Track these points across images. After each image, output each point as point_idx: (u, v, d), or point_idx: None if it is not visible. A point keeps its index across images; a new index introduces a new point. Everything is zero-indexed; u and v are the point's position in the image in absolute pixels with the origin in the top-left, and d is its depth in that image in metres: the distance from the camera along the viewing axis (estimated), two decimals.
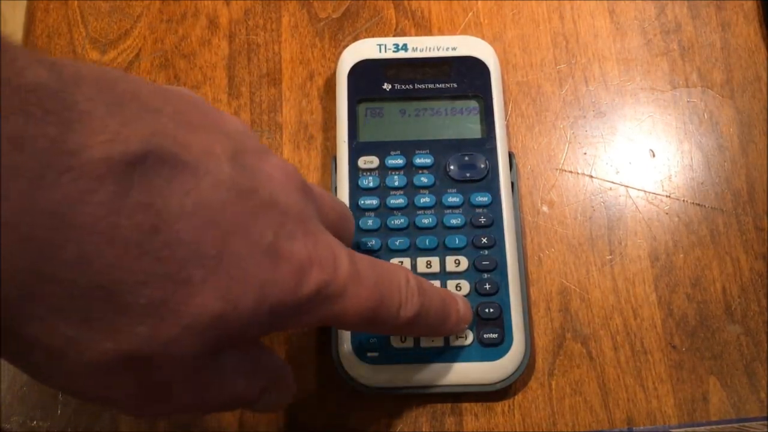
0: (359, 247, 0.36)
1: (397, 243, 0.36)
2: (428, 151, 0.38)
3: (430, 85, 0.39)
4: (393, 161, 0.37)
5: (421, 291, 0.28)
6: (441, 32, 0.43)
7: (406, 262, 0.36)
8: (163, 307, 0.20)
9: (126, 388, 0.22)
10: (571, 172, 0.40)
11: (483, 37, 0.42)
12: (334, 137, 0.39)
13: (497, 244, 0.36)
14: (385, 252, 0.36)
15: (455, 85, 0.39)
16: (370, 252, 0.36)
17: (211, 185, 0.21)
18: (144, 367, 0.21)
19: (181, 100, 0.23)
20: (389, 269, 0.28)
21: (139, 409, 0.23)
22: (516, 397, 0.36)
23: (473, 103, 0.39)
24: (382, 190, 0.37)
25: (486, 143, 0.38)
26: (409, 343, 0.34)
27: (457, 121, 0.38)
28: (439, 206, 0.37)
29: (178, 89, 0.24)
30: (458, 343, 0.34)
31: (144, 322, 0.20)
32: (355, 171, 0.37)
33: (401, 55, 0.40)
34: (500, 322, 0.35)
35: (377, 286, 0.26)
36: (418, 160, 0.37)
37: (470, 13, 0.43)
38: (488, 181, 0.37)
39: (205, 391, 0.24)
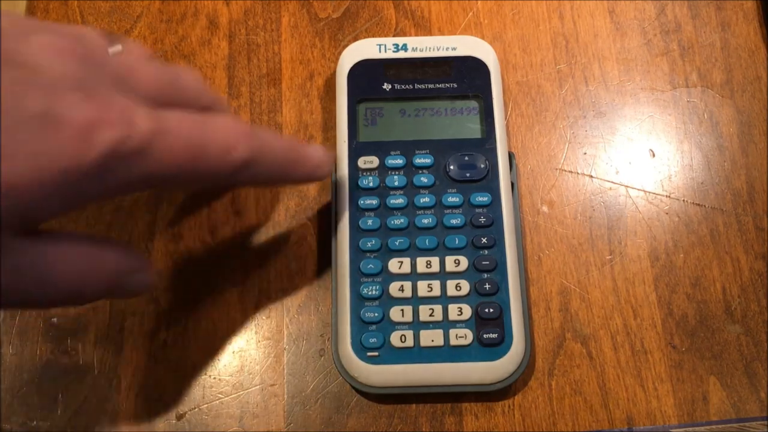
0: (359, 248, 0.36)
1: (397, 243, 0.36)
2: (428, 151, 0.38)
3: (430, 85, 0.39)
4: (393, 161, 0.37)
5: (254, 134, 0.28)
6: (441, 32, 0.43)
7: (406, 262, 0.36)
8: None
9: None
10: (571, 172, 0.40)
11: (483, 37, 0.42)
12: (334, 137, 0.39)
13: (497, 244, 0.36)
14: (385, 252, 0.36)
15: (455, 85, 0.39)
16: (371, 252, 0.36)
17: None
18: None
19: None
20: (212, 118, 0.27)
21: None
22: (516, 397, 0.36)
23: (473, 103, 0.39)
24: (382, 190, 0.37)
25: (486, 143, 0.38)
26: (410, 343, 0.34)
27: (457, 121, 0.38)
28: (439, 206, 0.37)
29: None
30: (458, 343, 0.34)
31: None
32: (355, 171, 0.37)
33: (401, 55, 0.40)
34: (500, 322, 0.35)
35: (193, 134, 0.26)
36: (418, 160, 0.37)
37: (470, 13, 0.43)
38: (488, 181, 0.37)
39: (28, 281, 0.24)
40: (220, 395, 0.36)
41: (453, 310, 0.35)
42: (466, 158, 0.37)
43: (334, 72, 0.41)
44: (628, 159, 0.40)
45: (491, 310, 0.35)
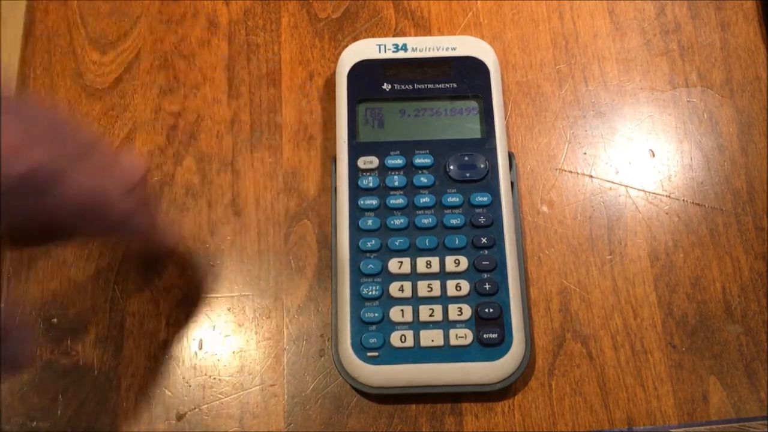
0: (359, 248, 0.36)
1: (397, 243, 0.36)
2: (428, 151, 0.38)
3: (430, 85, 0.39)
4: (393, 161, 0.37)
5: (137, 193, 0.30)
6: (441, 32, 0.43)
7: (406, 262, 0.36)
8: None
9: None
10: (570, 172, 0.40)
11: (483, 37, 0.42)
12: (334, 137, 0.39)
13: (497, 244, 0.36)
14: (385, 252, 0.36)
15: (455, 85, 0.39)
16: (371, 252, 0.36)
17: None
18: None
19: None
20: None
21: None
22: (516, 397, 0.36)
23: (473, 103, 0.39)
24: (382, 190, 0.37)
25: (486, 143, 0.38)
26: (410, 343, 0.34)
27: (456, 121, 0.38)
28: (438, 206, 0.37)
29: None
30: (458, 343, 0.34)
31: None
32: (355, 171, 0.37)
33: (401, 55, 0.40)
34: (500, 322, 0.35)
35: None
36: (418, 160, 0.37)
37: (470, 13, 0.43)
38: (488, 181, 0.37)
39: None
40: (220, 395, 0.36)
41: (453, 310, 0.35)
42: (466, 158, 0.37)
43: (334, 72, 0.41)
44: (628, 159, 0.40)
45: (491, 310, 0.35)
